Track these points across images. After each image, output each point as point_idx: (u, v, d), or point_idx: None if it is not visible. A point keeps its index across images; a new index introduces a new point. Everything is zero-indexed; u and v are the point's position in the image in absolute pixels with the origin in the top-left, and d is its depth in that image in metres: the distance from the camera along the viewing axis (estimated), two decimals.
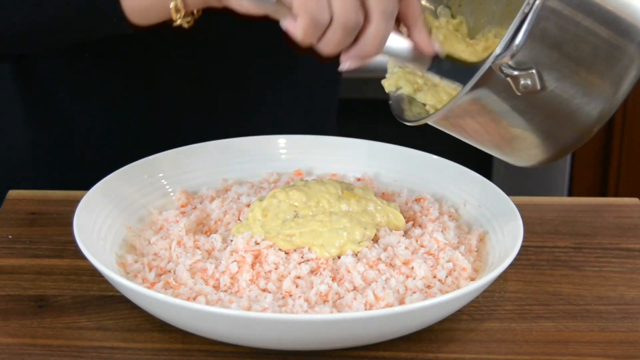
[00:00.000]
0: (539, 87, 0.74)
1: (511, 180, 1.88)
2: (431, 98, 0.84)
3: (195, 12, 0.89)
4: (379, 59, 0.82)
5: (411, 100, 0.86)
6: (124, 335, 0.82)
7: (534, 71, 0.74)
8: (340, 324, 0.75)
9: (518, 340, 0.83)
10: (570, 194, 2.09)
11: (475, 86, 0.75)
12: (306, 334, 0.76)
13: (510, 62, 0.73)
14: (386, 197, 0.98)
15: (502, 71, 0.74)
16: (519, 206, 0.89)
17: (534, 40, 0.73)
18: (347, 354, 0.80)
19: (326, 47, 0.79)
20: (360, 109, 1.67)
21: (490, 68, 0.74)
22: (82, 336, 0.82)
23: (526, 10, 0.72)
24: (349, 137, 1.05)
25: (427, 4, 0.90)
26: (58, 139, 1.12)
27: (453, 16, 0.90)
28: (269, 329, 0.75)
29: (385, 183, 1.02)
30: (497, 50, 0.73)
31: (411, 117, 0.84)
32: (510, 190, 0.94)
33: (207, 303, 0.81)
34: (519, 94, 0.75)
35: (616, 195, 2.06)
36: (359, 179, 1.02)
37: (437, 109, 0.81)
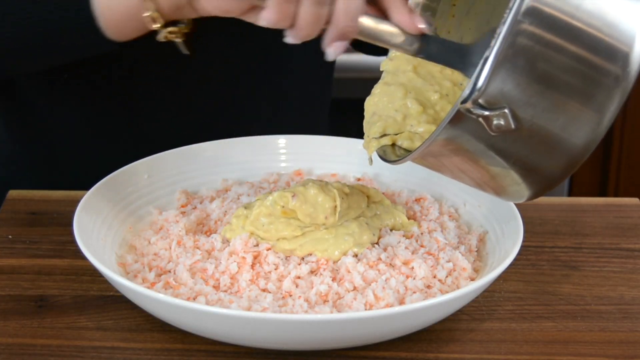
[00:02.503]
0: (513, 126, 0.70)
1: None
2: (408, 143, 0.84)
3: (181, 26, 0.87)
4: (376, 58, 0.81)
5: (393, 146, 0.85)
6: (124, 335, 0.82)
7: (506, 110, 0.70)
8: (340, 324, 0.75)
9: (518, 340, 0.83)
10: (570, 194, 2.09)
11: (448, 128, 0.72)
12: (306, 334, 0.76)
13: (480, 102, 0.69)
14: (386, 197, 0.98)
15: (471, 112, 0.70)
16: (519, 206, 0.89)
17: (504, 77, 0.69)
18: (347, 354, 0.80)
19: (302, 28, 0.77)
20: (357, 109, 1.67)
21: (458, 110, 0.70)
22: (82, 336, 0.82)
23: (492, 47, 0.68)
24: (348, 137, 1.05)
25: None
26: (43, 148, 1.12)
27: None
28: (269, 329, 0.75)
29: (385, 183, 1.02)
30: (465, 92, 0.69)
31: (394, 158, 0.83)
32: None
33: (207, 303, 0.81)
34: (493, 133, 0.71)
35: (616, 195, 2.06)
36: (359, 179, 1.02)
37: (414, 150, 0.79)
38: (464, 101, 0.69)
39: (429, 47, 0.79)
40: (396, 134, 0.84)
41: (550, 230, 0.99)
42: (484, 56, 0.68)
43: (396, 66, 0.88)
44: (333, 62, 1.24)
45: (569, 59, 0.70)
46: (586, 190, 2.09)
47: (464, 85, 0.86)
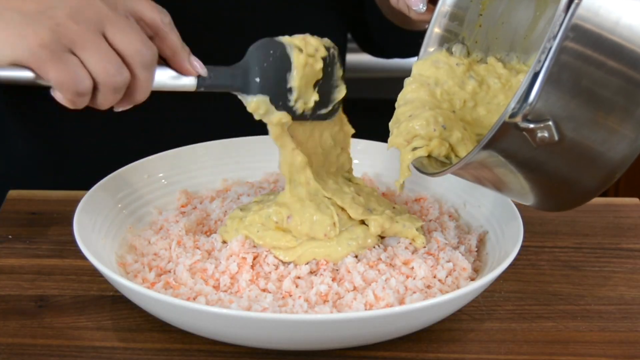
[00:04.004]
0: (557, 138, 0.71)
1: None
2: (446, 154, 0.84)
3: None
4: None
5: (429, 157, 0.85)
6: (124, 335, 0.82)
7: (550, 123, 0.71)
8: (340, 324, 0.75)
9: (518, 340, 0.83)
10: None
11: (491, 141, 0.72)
12: (306, 334, 0.76)
13: (529, 117, 0.70)
14: (386, 197, 0.98)
15: (517, 126, 0.71)
16: (519, 206, 0.89)
17: (549, 91, 0.70)
18: (347, 354, 0.80)
19: (100, 106, 0.80)
20: (361, 108, 1.67)
21: (504, 123, 0.71)
22: (82, 336, 0.82)
23: (541, 60, 0.69)
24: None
25: (441, 34, 0.89)
26: (43, 148, 1.12)
27: (469, 53, 0.90)
28: (269, 329, 0.75)
29: (385, 183, 1.02)
30: (512, 105, 0.70)
31: (432, 171, 0.83)
32: None
33: (207, 303, 0.81)
34: (535, 146, 0.72)
35: (616, 195, 2.06)
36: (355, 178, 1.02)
37: (454, 163, 0.79)
38: (513, 115, 0.70)
39: (207, 80, 0.83)
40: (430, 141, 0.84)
41: (550, 230, 0.99)
42: (533, 71, 0.69)
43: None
44: (343, 60, 1.24)
45: (609, 74, 0.71)
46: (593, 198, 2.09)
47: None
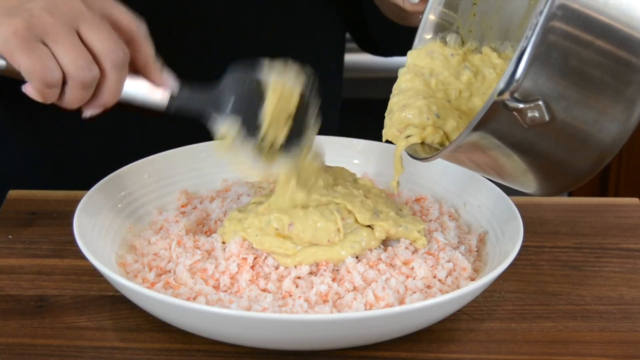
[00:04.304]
0: (547, 118, 0.71)
1: None
2: (440, 140, 0.84)
3: None
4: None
5: (422, 144, 0.85)
6: (124, 335, 0.82)
7: (540, 102, 0.71)
8: (340, 324, 0.75)
9: (518, 340, 0.83)
10: (570, 194, 2.09)
11: (481, 122, 0.73)
12: (306, 334, 0.76)
13: (515, 95, 0.70)
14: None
15: (506, 106, 0.71)
16: (519, 206, 0.89)
17: (538, 70, 0.70)
18: (347, 354, 0.80)
19: (68, 104, 0.80)
20: (361, 108, 1.67)
21: (494, 103, 0.71)
22: (82, 336, 0.82)
23: (528, 38, 0.69)
24: (349, 136, 1.05)
25: (435, 24, 0.89)
26: (43, 148, 1.12)
27: (463, 42, 0.90)
28: (269, 329, 0.75)
29: (385, 183, 1.02)
30: (500, 85, 0.70)
31: (424, 156, 0.83)
32: (510, 190, 0.94)
33: (207, 303, 0.81)
34: (526, 126, 0.72)
35: (616, 195, 2.06)
36: (359, 178, 1.01)
37: (445, 146, 0.79)
38: (500, 93, 0.70)
39: (178, 101, 0.83)
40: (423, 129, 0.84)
41: (550, 230, 1.00)
42: (520, 48, 0.69)
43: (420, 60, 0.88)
44: (341, 61, 1.24)
45: (598, 54, 0.71)
46: (586, 190, 2.09)
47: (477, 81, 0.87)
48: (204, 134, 1.04)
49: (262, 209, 0.88)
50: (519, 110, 0.71)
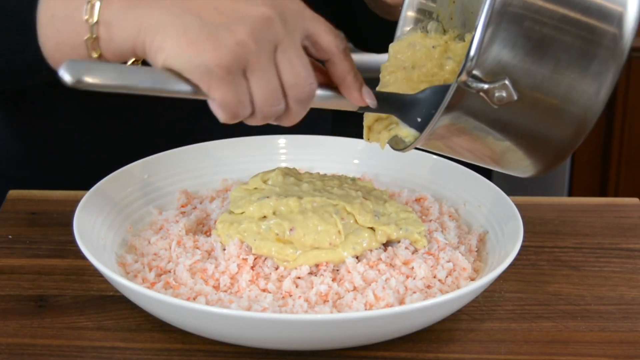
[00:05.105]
0: (515, 97, 0.71)
1: (511, 180, 1.88)
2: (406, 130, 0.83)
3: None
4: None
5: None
6: (124, 335, 0.82)
7: (506, 82, 0.70)
8: (340, 324, 0.75)
9: (518, 340, 0.83)
10: (570, 194, 2.09)
11: (450, 106, 0.72)
12: (306, 334, 0.76)
13: (476, 75, 0.70)
14: None
15: (470, 86, 0.70)
16: (519, 206, 0.89)
17: (499, 48, 0.69)
18: (347, 354, 0.80)
19: (247, 123, 0.78)
20: None
21: (458, 86, 0.70)
22: (82, 336, 0.82)
23: (480, 15, 0.68)
24: (349, 137, 1.05)
25: (415, 15, 0.89)
26: (44, 148, 1.12)
27: (444, 30, 0.89)
28: (269, 329, 0.75)
29: (385, 183, 1.02)
30: (461, 67, 0.70)
31: (402, 146, 0.83)
32: (510, 190, 0.94)
33: (207, 303, 0.81)
34: (496, 106, 0.71)
35: (616, 195, 2.06)
36: (358, 179, 1.02)
37: (419, 135, 0.79)
38: (460, 74, 0.70)
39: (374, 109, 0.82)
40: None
41: (550, 230, 1.00)
42: (475, 25, 0.68)
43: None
44: None
45: (561, 23, 0.70)
46: (586, 190, 2.09)
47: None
48: (204, 134, 1.04)
49: (255, 213, 0.87)
50: (486, 91, 0.71)
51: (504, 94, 0.71)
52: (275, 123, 0.79)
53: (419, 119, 0.80)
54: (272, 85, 0.75)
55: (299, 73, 0.76)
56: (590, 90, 0.73)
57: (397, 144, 0.83)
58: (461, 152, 0.81)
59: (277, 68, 0.75)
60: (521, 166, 0.80)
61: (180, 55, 0.73)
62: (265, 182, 0.92)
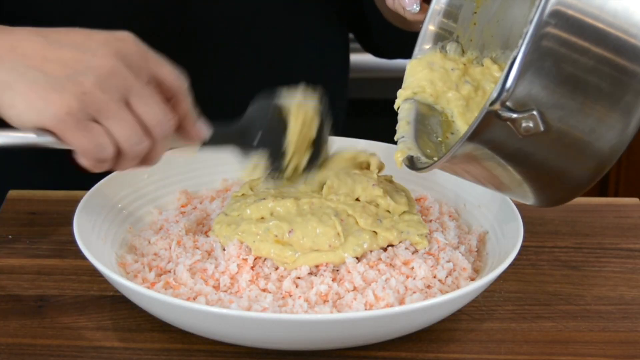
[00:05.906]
0: (542, 128, 0.70)
1: None
2: (432, 149, 0.84)
3: None
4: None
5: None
6: (124, 335, 0.82)
7: (535, 112, 0.70)
8: (340, 324, 0.75)
9: (518, 340, 0.83)
10: None
11: (475, 133, 0.72)
12: (306, 334, 0.76)
13: (508, 105, 0.70)
14: None
15: (499, 116, 0.70)
16: (519, 206, 0.89)
17: (531, 79, 0.69)
18: (347, 354, 0.80)
19: (119, 169, 0.81)
20: (361, 108, 1.67)
21: (487, 113, 0.70)
22: (82, 336, 0.82)
23: (519, 47, 0.68)
24: (349, 136, 1.05)
25: (436, 29, 0.89)
26: (48, 149, 1.12)
27: (464, 51, 0.89)
28: (269, 329, 0.75)
29: None
30: (493, 95, 0.69)
31: (420, 166, 0.82)
32: None
33: (207, 303, 0.81)
34: (521, 137, 0.71)
35: (616, 195, 2.06)
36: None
37: (440, 157, 0.78)
38: (492, 103, 0.70)
39: (208, 143, 0.85)
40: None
41: (550, 230, 0.99)
42: (512, 57, 0.69)
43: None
44: (347, 61, 1.24)
45: (593, 61, 0.70)
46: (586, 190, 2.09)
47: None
48: None
49: (254, 214, 0.87)
50: (513, 121, 0.70)
51: (532, 125, 0.70)
52: (139, 166, 0.81)
53: (256, 140, 0.86)
54: (131, 126, 0.77)
55: (157, 112, 0.78)
56: (618, 125, 0.72)
57: (413, 165, 0.83)
58: (479, 179, 0.81)
59: (133, 110, 0.77)
60: (538, 197, 0.80)
61: (31, 109, 0.75)
62: (252, 189, 0.92)
